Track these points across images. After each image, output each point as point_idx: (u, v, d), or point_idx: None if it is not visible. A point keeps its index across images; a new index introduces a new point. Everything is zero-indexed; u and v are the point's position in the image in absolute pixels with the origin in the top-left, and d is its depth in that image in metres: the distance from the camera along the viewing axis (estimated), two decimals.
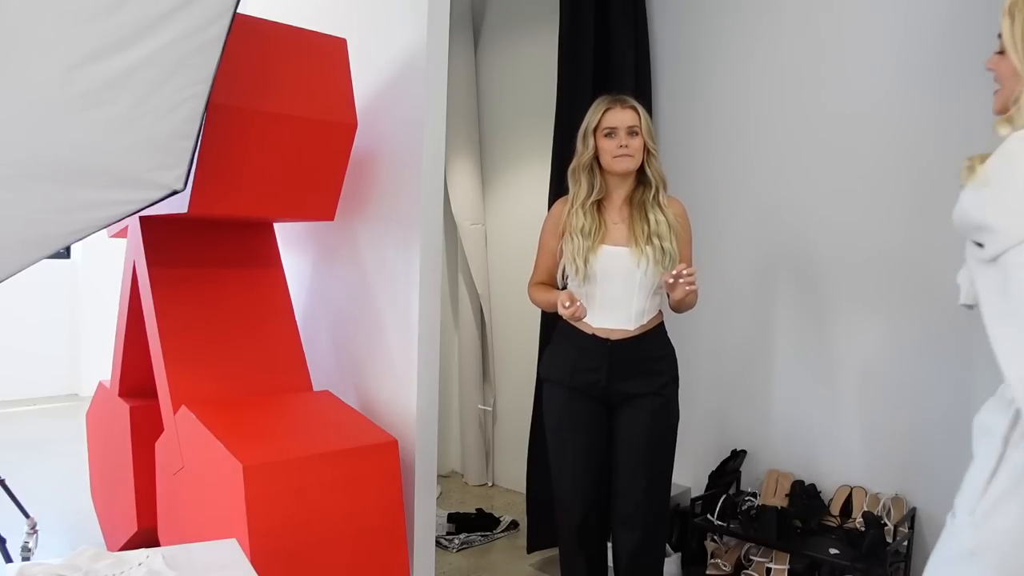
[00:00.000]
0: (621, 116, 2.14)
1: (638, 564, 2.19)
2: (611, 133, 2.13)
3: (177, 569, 1.41)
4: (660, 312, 2.23)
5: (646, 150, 2.16)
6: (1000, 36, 1.32)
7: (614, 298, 2.13)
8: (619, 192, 2.20)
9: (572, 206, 2.17)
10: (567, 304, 1.99)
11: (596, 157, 2.16)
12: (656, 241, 2.13)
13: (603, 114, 2.15)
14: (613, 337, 2.14)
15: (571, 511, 2.20)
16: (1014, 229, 1.17)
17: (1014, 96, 1.27)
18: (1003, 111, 1.32)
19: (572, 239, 2.14)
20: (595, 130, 2.15)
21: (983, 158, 1.28)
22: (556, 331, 2.29)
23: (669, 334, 2.25)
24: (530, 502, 3.06)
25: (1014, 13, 1.29)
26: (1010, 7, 1.30)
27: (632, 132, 2.13)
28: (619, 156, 2.12)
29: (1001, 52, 1.33)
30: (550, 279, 2.27)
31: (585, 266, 2.11)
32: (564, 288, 2.20)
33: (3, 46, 1.61)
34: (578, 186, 2.18)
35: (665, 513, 2.28)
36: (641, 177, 2.19)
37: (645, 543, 2.18)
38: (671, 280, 1.98)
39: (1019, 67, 1.27)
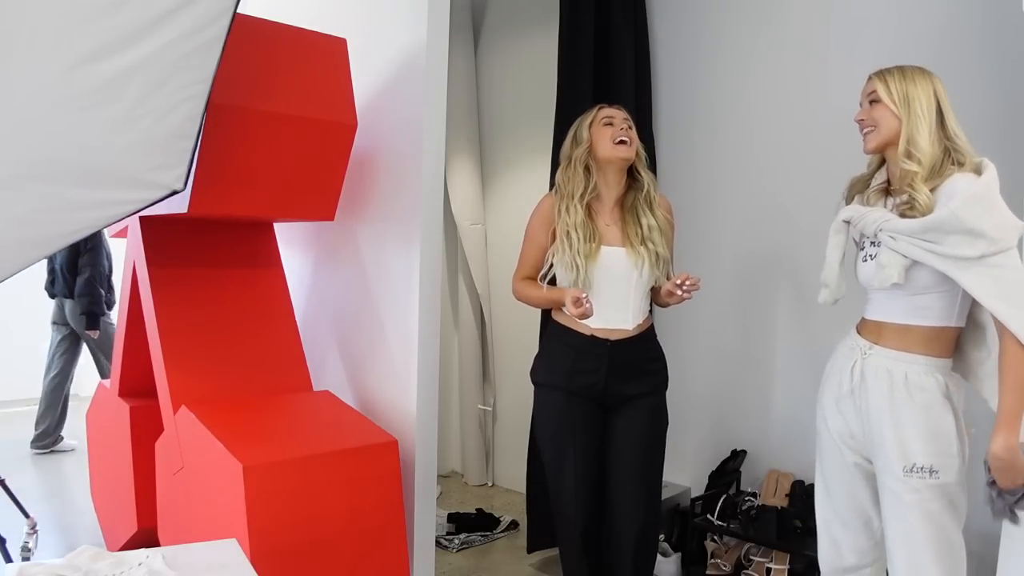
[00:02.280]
0: (616, 110, 2.18)
1: (640, 554, 2.20)
2: (610, 122, 2.15)
3: (177, 569, 1.41)
4: (651, 314, 2.25)
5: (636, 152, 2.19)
6: (872, 93, 1.75)
7: (612, 298, 2.12)
8: (610, 195, 2.20)
9: (565, 201, 2.15)
10: (579, 302, 1.98)
11: (590, 154, 2.16)
12: (651, 245, 2.15)
13: (598, 109, 2.18)
14: (613, 337, 2.14)
15: (575, 518, 2.18)
16: (999, 239, 1.57)
17: (904, 135, 1.68)
18: (877, 150, 1.77)
19: (570, 237, 2.11)
20: (590, 124, 2.16)
21: (873, 187, 1.81)
22: (548, 334, 2.26)
23: (670, 334, 2.25)
24: (530, 502, 3.06)
25: (885, 78, 1.73)
26: (879, 75, 1.74)
27: (628, 125, 2.17)
28: (619, 143, 2.13)
29: (873, 102, 1.74)
30: (536, 274, 2.25)
31: (585, 267, 2.10)
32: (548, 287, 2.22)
33: (3, 46, 1.61)
34: (573, 181, 2.15)
35: (659, 507, 2.30)
36: (630, 182, 2.22)
37: (646, 535, 2.20)
38: (677, 291, 2.01)
39: (898, 112, 1.70)
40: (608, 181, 2.19)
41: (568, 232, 2.12)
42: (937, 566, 1.65)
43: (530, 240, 2.25)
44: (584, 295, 1.99)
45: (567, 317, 2.14)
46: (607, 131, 2.14)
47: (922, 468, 1.65)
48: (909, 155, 1.68)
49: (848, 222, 1.82)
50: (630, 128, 2.17)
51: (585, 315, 2.01)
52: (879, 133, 1.74)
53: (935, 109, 1.69)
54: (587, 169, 2.16)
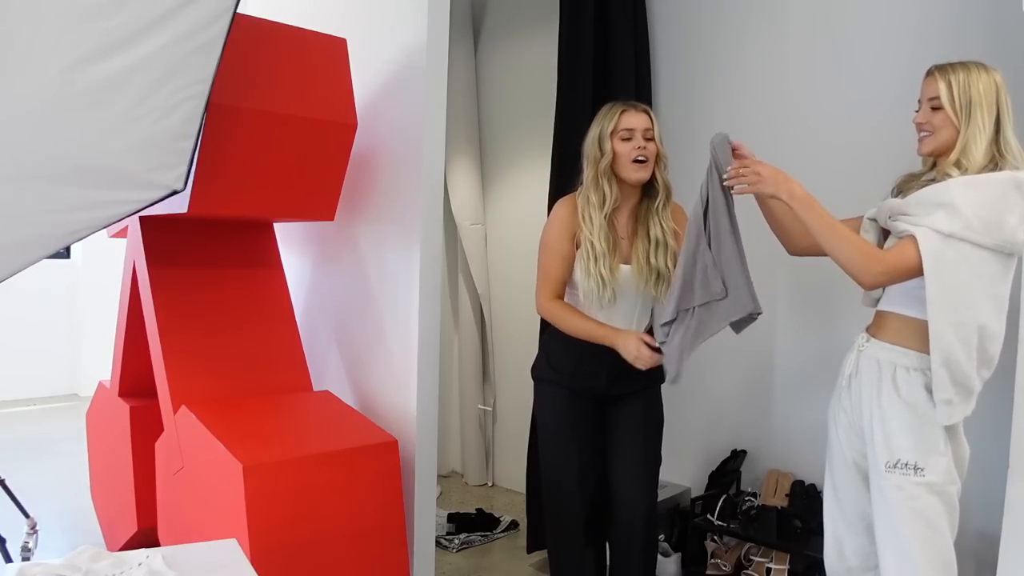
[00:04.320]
0: (637, 119, 2.09)
1: (648, 533, 2.22)
2: (629, 136, 2.08)
3: (177, 569, 1.41)
4: (651, 319, 2.25)
5: (657, 156, 2.12)
6: (934, 99, 1.68)
7: (617, 310, 2.13)
8: (627, 203, 2.16)
9: (588, 214, 2.10)
10: (644, 354, 1.98)
11: (612, 167, 2.10)
12: (653, 262, 2.12)
13: (620, 116, 2.08)
14: None
15: (578, 506, 2.20)
16: (977, 228, 1.55)
17: (959, 145, 1.64)
18: (932, 154, 1.72)
19: (593, 250, 2.07)
20: (612, 134, 2.08)
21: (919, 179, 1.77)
22: (551, 332, 2.25)
23: None
24: (530, 502, 3.06)
25: (948, 79, 1.65)
26: (942, 74, 1.67)
27: (648, 136, 2.10)
28: (637, 161, 2.07)
29: (935, 108, 1.68)
30: (563, 289, 2.18)
31: (611, 281, 2.06)
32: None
33: (3, 46, 1.61)
34: (598, 194, 2.09)
35: (656, 489, 2.30)
36: (647, 188, 2.16)
37: (650, 517, 2.20)
38: None
39: (956, 122, 1.64)
40: (627, 190, 2.14)
41: (593, 243, 2.07)
42: (927, 568, 1.62)
43: (551, 251, 2.16)
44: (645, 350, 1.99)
45: None
46: (625, 147, 2.07)
47: (906, 464, 1.63)
48: (958, 164, 1.64)
49: (875, 220, 1.81)
50: (650, 139, 2.09)
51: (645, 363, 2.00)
52: (936, 139, 1.69)
53: (995, 119, 1.63)
54: (610, 180, 2.10)
